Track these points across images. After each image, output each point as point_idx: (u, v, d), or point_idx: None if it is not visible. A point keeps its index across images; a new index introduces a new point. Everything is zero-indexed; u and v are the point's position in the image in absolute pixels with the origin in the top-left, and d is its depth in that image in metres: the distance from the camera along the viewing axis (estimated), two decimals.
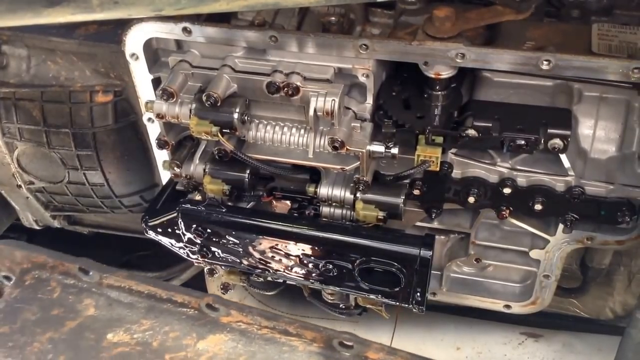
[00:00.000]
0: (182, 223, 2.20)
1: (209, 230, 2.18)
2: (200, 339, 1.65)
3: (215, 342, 1.64)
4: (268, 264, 2.21)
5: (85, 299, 1.73)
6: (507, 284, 2.53)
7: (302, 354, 1.60)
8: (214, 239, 2.20)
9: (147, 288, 1.74)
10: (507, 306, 2.51)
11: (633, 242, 2.17)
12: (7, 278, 1.79)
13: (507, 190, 2.09)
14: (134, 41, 2.07)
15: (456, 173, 2.14)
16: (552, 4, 2.13)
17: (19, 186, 2.73)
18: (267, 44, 1.96)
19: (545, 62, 1.80)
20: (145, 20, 2.00)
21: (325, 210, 2.20)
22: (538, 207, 2.09)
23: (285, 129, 2.08)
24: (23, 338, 1.65)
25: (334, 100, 1.91)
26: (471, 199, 2.13)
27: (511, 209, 2.15)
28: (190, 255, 2.29)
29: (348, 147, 1.96)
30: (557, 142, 1.92)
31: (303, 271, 2.19)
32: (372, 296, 2.21)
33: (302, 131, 2.06)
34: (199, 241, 2.22)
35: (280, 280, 2.36)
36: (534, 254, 2.33)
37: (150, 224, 2.27)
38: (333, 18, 2.15)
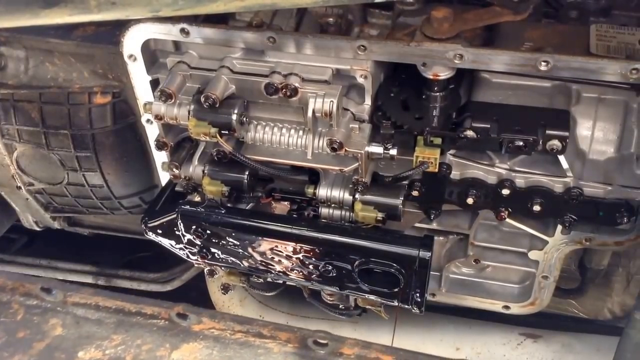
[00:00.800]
0: (181, 224, 2.20)
1: (208, 232, 2.18)
2: (174, 349, 1.64)
3: (190, 351, 1.63)
4: (268, 265, 2.21)
5: (51, 319, 1.71)
6: (506, 285, 2.53)
7: (278, 355, 1.61)
8: (214, 240, 2.20)
9: (115, 303, 1.73)
10: (506, 307, 2.51)
11: (631, 243, 2.17)
12: None
13: (505, 192, 2.09)
14: (132, 42, 2.07)
15: (455, 174, 2.14)
16: (550, 4, 2.13)
17: (19, 187, 2.73)
18: (265, 45, 1.96)
19: (543, 63, 1.80)
20: (143, 21, 2.00)
21: (324, 211, 2.20)
22: (536, 208, 2.09)
23: (284, 130, 2.08)
24: None
25: (332, 101, 1.91)
26: (470, 200, 2.13)
27: (510, 210, 2.15)
28: (190, 256, 2.29)
29: (347, 149, 1.96)
30: (556, 143, 1.92)
31: (302, 272, 2.19)
32: (371, 297, 2.21)
33: (301, 132, 2.06)
34: (198, 242, 2.22)
35: (280, 281, 2.36)
36: (533, 254, 2.33)
37: (150, 225, 2.28)
38: (331, 19, 2.15)
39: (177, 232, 2.23)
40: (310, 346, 1.61)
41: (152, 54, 2.15)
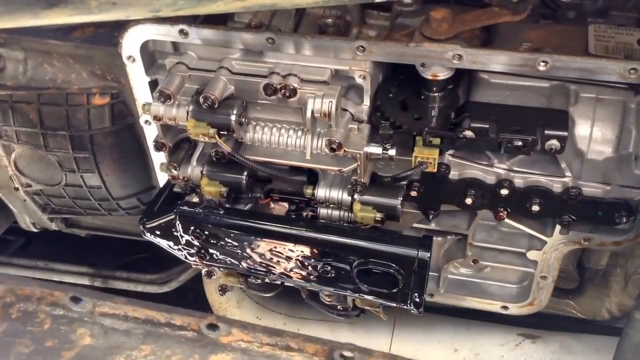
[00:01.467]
0: (179, 225, 2.19)
1: (206, 232, 2.18)
2: None
3: None
4: (266, 266, 2.21)
5: (79, 329, 1.70)
6: (505, 285, 2.53)
7: None
8: (212, 241, 2.20)
9: (145, 313, 1.71)
10: (505, 307, 2.51)
11: (630, 243, 2.17)
12: None
13: (504, 192, 2.10)
14: (131, 43, 2.06)
15: (453, 174, 2.14)
16: (548, 5, 2.14)
17: (17, 189, 2.72)
18: (264, 46, 1.96)
19: (542, 64, 1.80)
20: (142, 22, 2.00)
21: (322, 211, 2.20)
22: (535, 208, 2.09)
23: (283, 130, 2.08)
24: None
25: (331, 102, 1.91)
26: (468, 200, 2.13)
27: (508, 210, 2.15)
28: (189, 257, 2.29)
29: (345, 149, 1.96)
30: (554, 143, 1.92)
31: (301, 273, 2.19)
32: (370, 297, 2.21)
33: (300, 133, 2.06)
34: (197, 243, 2.22)
35: (279, 282, 2.36)
36: (531, 255, 2.33)
37: (148, 226, 2.27)
38: (330, 20, 2.15)
39: (175, 233, 2.23)
40: (337, 359, 1.61)
41: (150, 55, 2.15)
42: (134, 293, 3.41)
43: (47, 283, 1.82)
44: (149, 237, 2.30)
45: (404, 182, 2.14)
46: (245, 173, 2.18)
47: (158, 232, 2.27)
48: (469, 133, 1.96)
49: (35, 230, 3.08)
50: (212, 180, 2.18)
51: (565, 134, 1.92)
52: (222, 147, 2.05)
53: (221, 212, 2.18)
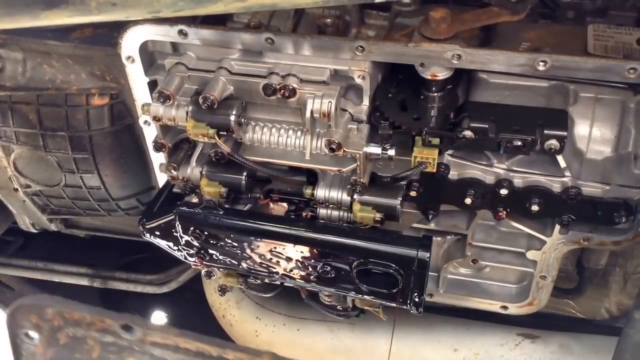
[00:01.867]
0: (179, 226, 2.19)
1: (206, 233, 2.18)
2: None
3: None
4: (266, 266, 2.21)
5: (128, 358, 1.66)
6: (504, 285, 2.53)
7: None
8: (212, 242, 2.20)
9: (196, 345, 1.63)
10: (504, 307, 2.52)
11: (629, 243, 2.17)
12: (28, 336, 1.66)
13: (503, 192, 2.10)
14: (130, 44, 2.06)
15: (453, 174, 2.14)
16: (547, 5, 2.14)
17: (16, 189, 2.72)
18: (263, 46, 1.96)
19: (541, 63, 1.80)
20: (141, 22, 1.99)
21: (322, 212, 2.20)
22: (535, 208, 2.09)
23: (282, 131, 2.08)
24: None
25: (330, 102, 1.91)
26: (468, 200, 2.13)
27: (508, 210, 2.15)
28: (188, 257, 2.29)
29: (345, 149, 1.96)
30: (554, 143, 1.92)
31: (300, 273, 2.19)
32: (369, 298, 2.21)
33: (299, 133, 2.06)
34: (196, 244, 2.22)
35: (278, 282, 2.36)
36: (531, 254, 2.33)
37: (147, 226, 2.27)
38: (328, 20, 2.15)
39: (175, 234, 2.23)
40: None
41: (150, 55, 2.15)
42: (133, 293, 3.41)
43: (98, 309, 1.77)
44: (148, 237, 2.30)
45: (404, 182, 2.14)
46: (245, 173, 2.18)
47: (158, 233, 2.27)
48: (468, 133, 1.96)
49: (34, 231, 3.07)
50: (211, 180, 2.18)
51: (565, 133, 1.92)
52: (221, 148, 2.05)
53: (221, 213, 2.17)
